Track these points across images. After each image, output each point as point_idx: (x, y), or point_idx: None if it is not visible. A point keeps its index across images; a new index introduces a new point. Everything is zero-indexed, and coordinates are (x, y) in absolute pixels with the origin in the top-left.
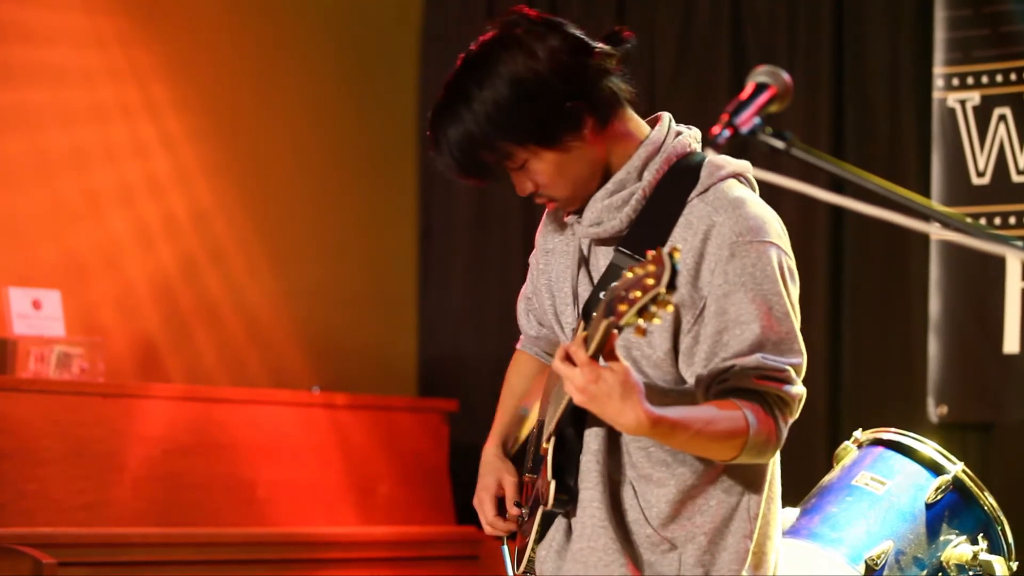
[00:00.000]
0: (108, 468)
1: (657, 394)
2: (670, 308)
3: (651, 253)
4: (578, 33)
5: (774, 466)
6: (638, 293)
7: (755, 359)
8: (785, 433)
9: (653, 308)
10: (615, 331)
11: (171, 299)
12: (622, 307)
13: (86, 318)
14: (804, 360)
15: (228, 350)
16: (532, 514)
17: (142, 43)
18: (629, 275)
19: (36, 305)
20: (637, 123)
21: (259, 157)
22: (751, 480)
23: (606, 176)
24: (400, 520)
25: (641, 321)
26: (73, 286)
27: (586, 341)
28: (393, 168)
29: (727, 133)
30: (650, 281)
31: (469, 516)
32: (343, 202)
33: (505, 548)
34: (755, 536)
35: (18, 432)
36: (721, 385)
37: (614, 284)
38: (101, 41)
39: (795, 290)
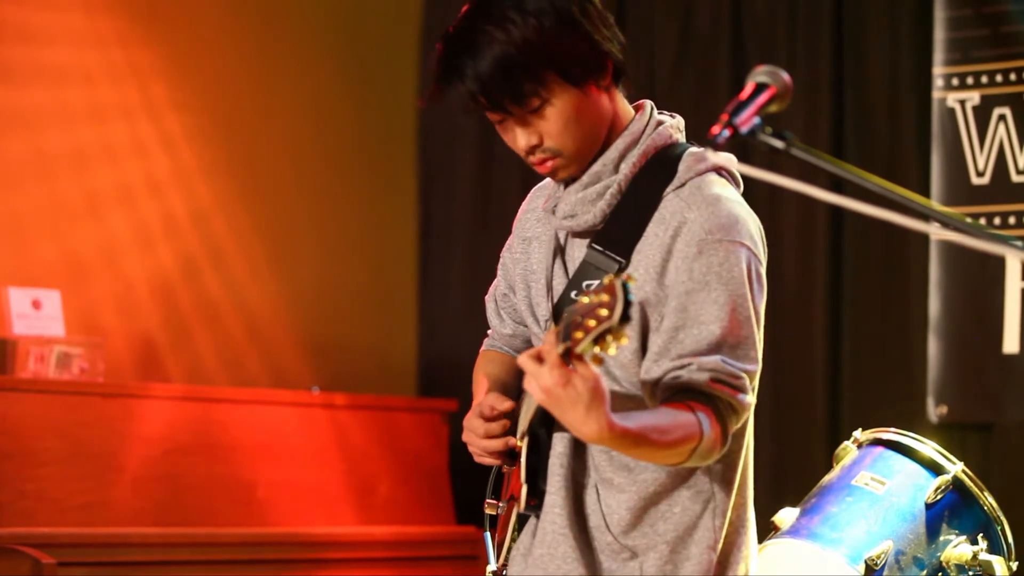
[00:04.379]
0: (108, 468)
1: (621, 398)
2: (624, 340)
3: (607, 279)
4: None
5: (745, 470)
6: (592, 322)
7: (714, 360)
8: (730, 441)
9: (608, 338)
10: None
11: (171, 299)
12: (578, 334)
13: (86, 318)
14: (759, 368)
15: (228, 350)
16: (510, 508)
17: (142, 43)
18: (585, 300)
19: (36, 305)
20: (627, 107)
21: (259, 157)
22: (717, 487)
23: (604, 148)
24: (400, 520)
25: (597, 349)
26: (73, 286)
27: (560, 340)
28: (393, 168)
29: (727, 133)
30: (603, 312)
31: (469, 516)
32: (343, 202)
33: (488, 536)
34: (720, 546)
35: (18, 432)
36: (673, 382)
37: (571, 307)
38: (101, 41)
39: (761, 297)
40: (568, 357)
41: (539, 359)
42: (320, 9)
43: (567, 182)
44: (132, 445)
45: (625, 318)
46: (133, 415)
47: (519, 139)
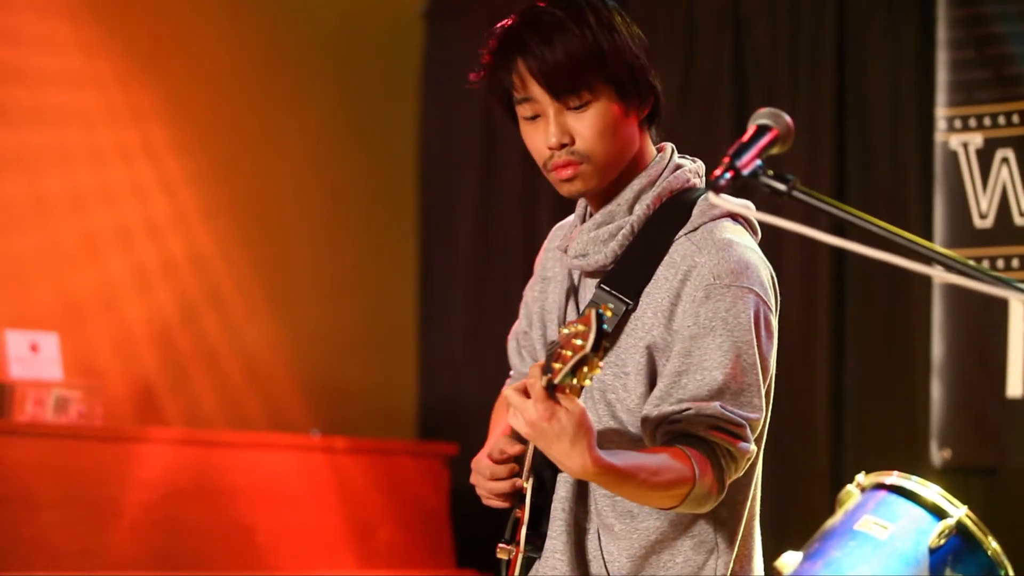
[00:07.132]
0: (106, 513)
1: (628, 441)
2: (598, 371)
3: (586, 309)
4: None
5: (750, 521)
6: (568, 353)
7: (713, 407)
8: (727, 488)
9: (585, 369)
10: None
11: (169, 342)
12: (556, 365)
13: (84, 361)
14: (762, 416)
15: (227, 393)
16: (518, 552)
17: (141, 85)
18: (565, 331)
19: (34, 348)
20: (651, 148)
21: (258, 199)
22: (720, 538)
23: (619, 182)
24: (400, 564)
25: (574, 381)
26: (71, 329)
27: (543, 373)
28: (393, 211)
29: (728, 176)
30: (578, 342)
31: (470, 560)
32: (343, 245)
33: None
34: None
35: (15, 476)
36: (672, 426)
37: (553, 339)
38: (99, 83)
39: (770, 345)
40: (553, 390)
41: (526, 393)
42: (321, 50)
43: (582, 219)
44: (130, 489)
45: (597, 347)
46: (131, 459)
47: (552, 134)
